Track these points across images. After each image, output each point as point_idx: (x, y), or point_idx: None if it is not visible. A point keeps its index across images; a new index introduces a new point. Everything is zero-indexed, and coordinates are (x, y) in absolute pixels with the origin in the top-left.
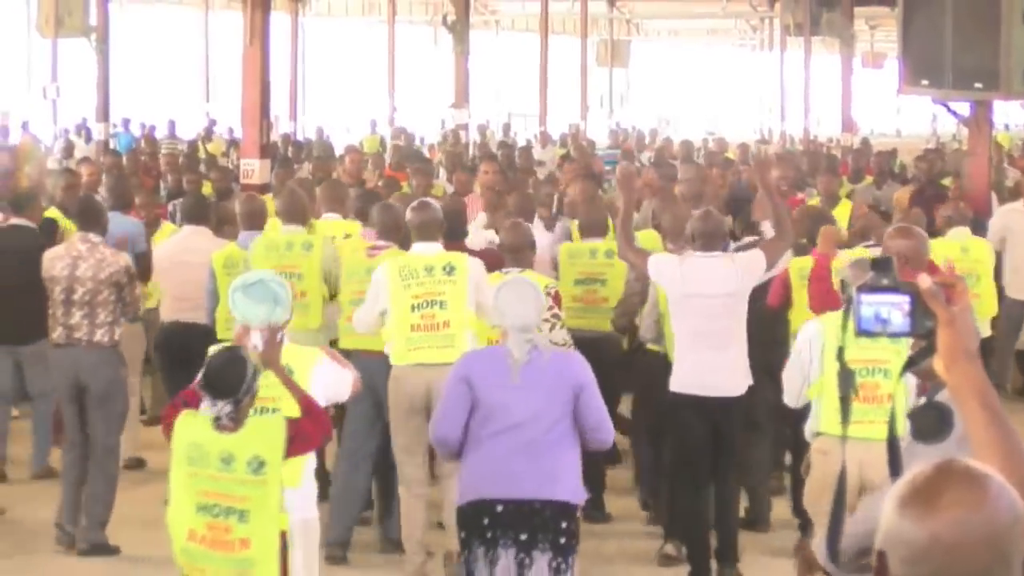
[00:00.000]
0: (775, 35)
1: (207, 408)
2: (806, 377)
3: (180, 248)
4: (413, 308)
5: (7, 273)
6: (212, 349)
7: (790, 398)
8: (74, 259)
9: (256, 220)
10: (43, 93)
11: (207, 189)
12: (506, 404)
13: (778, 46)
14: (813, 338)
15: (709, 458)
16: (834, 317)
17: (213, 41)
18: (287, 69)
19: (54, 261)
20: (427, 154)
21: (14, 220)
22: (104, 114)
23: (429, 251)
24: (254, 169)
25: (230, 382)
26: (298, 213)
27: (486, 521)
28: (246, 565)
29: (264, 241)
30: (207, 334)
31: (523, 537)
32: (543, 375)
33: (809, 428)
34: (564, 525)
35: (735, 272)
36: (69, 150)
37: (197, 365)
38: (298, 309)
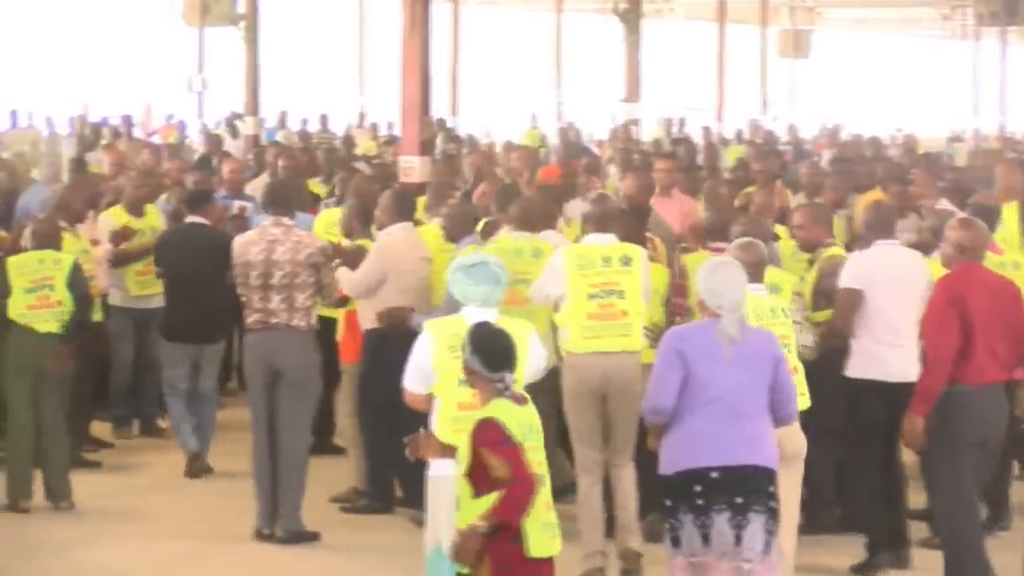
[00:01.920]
0: (968, 25)
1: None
2: None
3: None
4: (590, 297)
5: (189, 272)
6: (472, 328)
7: None
8: (270, 243)
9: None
10: (188, 85)
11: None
12: (717, 378)
13: (972, 36)
14: None
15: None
16: None
17: (368, 31)
18: (447, 61)
19: (248, 246)
20: (595, 150)
21: (191, 218)
22: (253, 107)
23: (605, 242)
24: (414, 166)
25: (514, 352)
26: (530, 220)
27: (699, 488)
28: None
29: (494, 249)
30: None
31: (739, 500)
32: (749, 350)
33: None
34: (771, 489)
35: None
36: (217, 145)
37: None
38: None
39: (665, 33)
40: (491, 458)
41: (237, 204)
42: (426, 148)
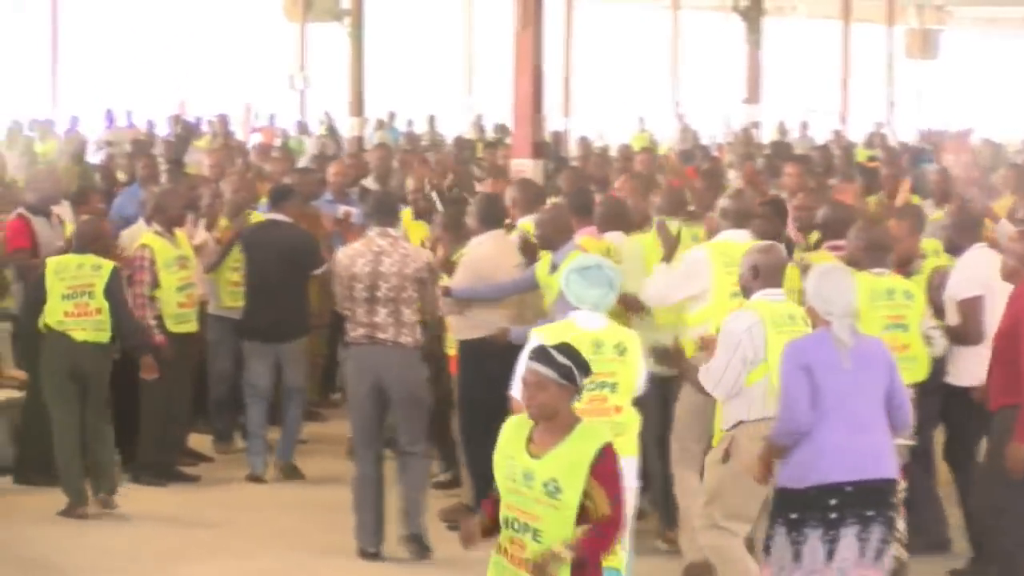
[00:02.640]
0: None
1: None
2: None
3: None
4: (733, 295)
5: (268, 269)
6: (543, 344)
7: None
8: (376, 255)
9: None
10: (290, 83)
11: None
12: (840, 388)
13: None
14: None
15: None
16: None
17: (477, 26)
18: (559, 59)
19: (354, 258)
20: (715, 154)
21: (272, 215)
22: (358, 107)
23: (743, 239)
24: (526, 170)
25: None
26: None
27: (833, 502)
28: None
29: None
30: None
31: (868, 513)
32: (866, 358)
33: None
34: (893, 500)
35: None
36: (325, 146)
37: None
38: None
39: (787, 32)
40: (598, 491)
41: (342, 209)
42: (539, 150)
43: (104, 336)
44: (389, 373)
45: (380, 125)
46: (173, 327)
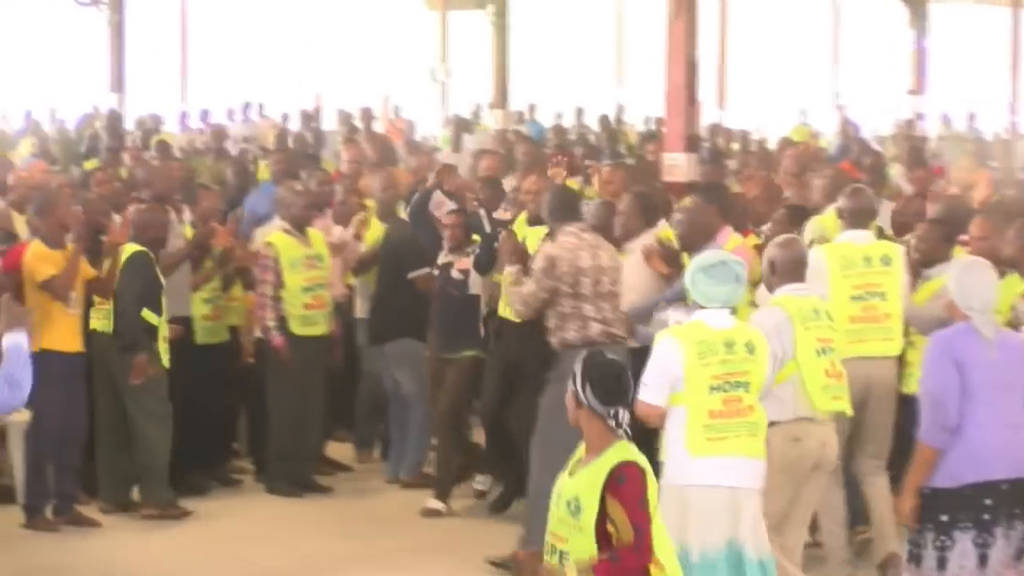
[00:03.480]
0: None
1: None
2: None
3: None
4: (852, 299)
5: (379, 268)
6: (586, 358)
7: None
8: (592, 248)
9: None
10: (431, 75)
11: None
12: (988, 381)
13: None
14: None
15: None
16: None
17: (627, 14)
18: (714, 48)
19: (576, 252)
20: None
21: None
22: (502, 99)
23: (863, 240)
24: (679, 164)
25: (628, 386)
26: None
27: (989, 502)
28: None
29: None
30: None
31: (1016, 511)
32: (1007, 351)
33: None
34: None
35: None
36: (458, 141)
37: None
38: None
39: (953, 18)
40: (619, 513)
41: None
42: (693, 144)
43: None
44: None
45: (520, 118)
46: (298, 329)
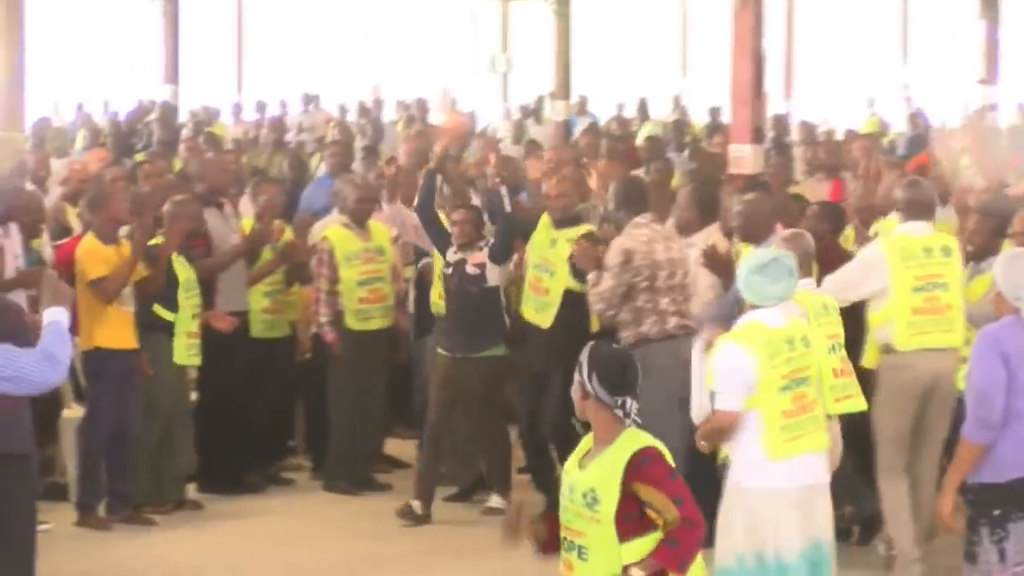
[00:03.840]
0: None
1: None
2: None
3: None
4: (915, 290)
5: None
6: (592, 348)
7: None
8: (665, 240)
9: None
10: (491, 65)
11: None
12: None
13: None
14: None
15: None
16: None
17: (692, 4)
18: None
19: (651, 244)
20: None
21: None
22: (564, 90)
23: (922, 231)
24: (745, 156)
25: (635, 376)
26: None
27: None
28: None
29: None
30: None
31: None
32: None
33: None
34: None
35: None
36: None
37: None
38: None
39: None
40: (655, 495)
41: None
42: (759, 136)
43: None
44: None
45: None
46: (354, 324)
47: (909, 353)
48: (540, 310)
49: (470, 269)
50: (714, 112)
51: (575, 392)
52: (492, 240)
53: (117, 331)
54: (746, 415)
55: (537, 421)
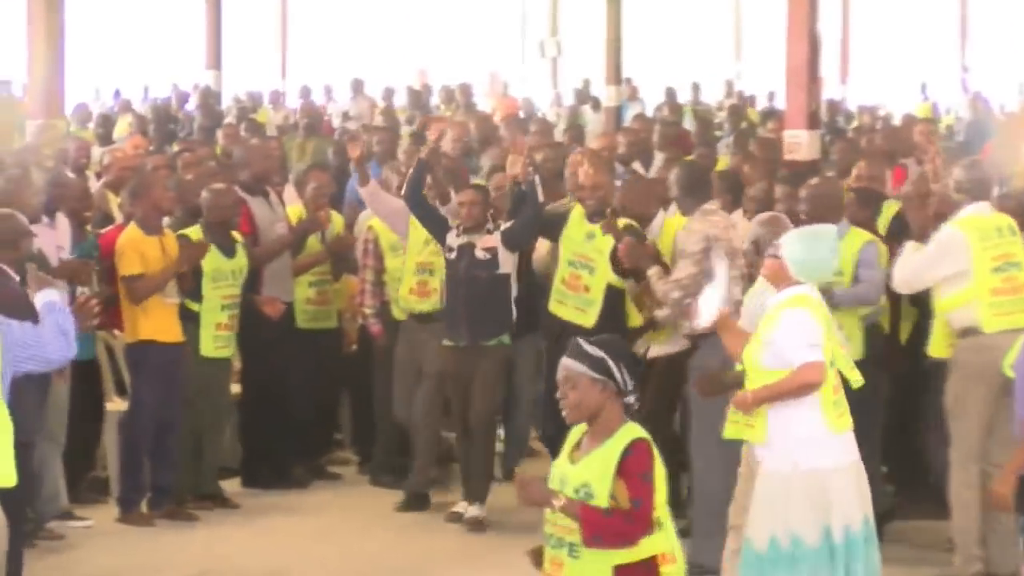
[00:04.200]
0: None
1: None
2: None
3: None
4: (994, 270)
5: None
6: (607, 342)
7: None
8: (734, 228)
9: None
10: (540, 50)
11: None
12: None
13: None
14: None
15: None
16: None
17: None
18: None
19: (728, 231)
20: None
21: None
22: (615, 75)
23: (986, 211)
24: (800, 142)
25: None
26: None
27: None
28: None
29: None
30: None
31: None
32: None
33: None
34: None
35: None
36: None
37: None
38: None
39: None
40: (620, 489)
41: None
42: (814, 121)
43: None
44: None
45: (632, 95)
46: (401, 316)
47: (994, 335)
48: (582, 308)
49: (480, 253)
50: (770, 96)
51: (588, 387)
52: (510, 225)
53: (161, 323)
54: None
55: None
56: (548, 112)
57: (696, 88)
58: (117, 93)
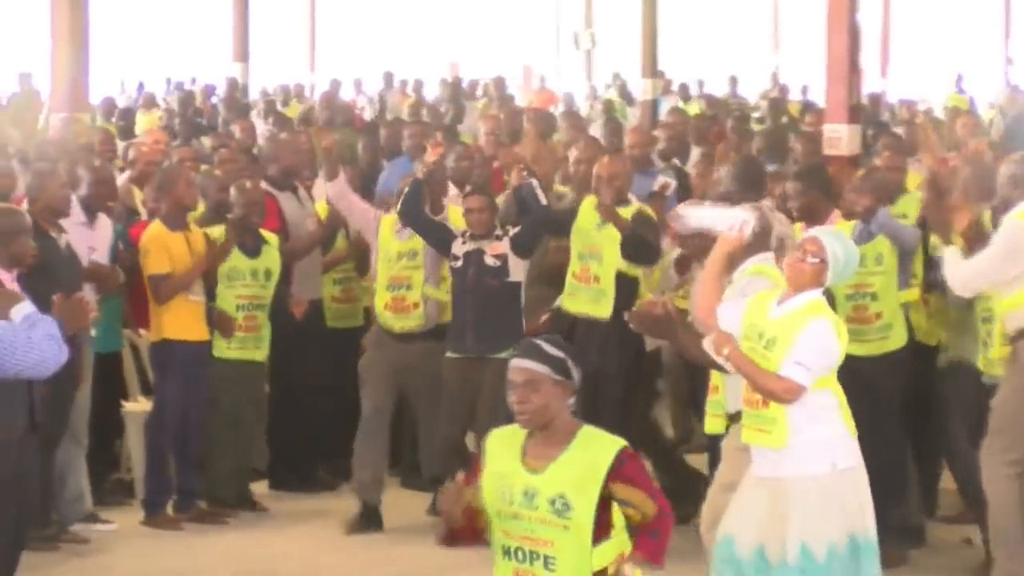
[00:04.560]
0: None
1: None
2: None
3: None
4: None
5: None
6: (553, 339)
7: None
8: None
9: None
10: (575, 42)
11: None
12: None
13: None
14: None
15: None
16: None
17: None
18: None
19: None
20: None
21: None
22: (651, 68)
23: None
24: (841, 136)
25: None
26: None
27: None
28: None
29: None
30: None
31: None
32: None
33: None
34: None
35: None
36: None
37: None
38: None
39: None
40: (634, 493)
41: (661, 180)
42: (855, 115)
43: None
44: None
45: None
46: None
47: None
48: (595, 300)
49: (489, 260)
50: (804, 90)
51: (551, 393)
52: (518, 230)
53: (187, 322)
54: (821, 394)
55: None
56: (583, 106)
57: (733, 81)
58: (141, 86)
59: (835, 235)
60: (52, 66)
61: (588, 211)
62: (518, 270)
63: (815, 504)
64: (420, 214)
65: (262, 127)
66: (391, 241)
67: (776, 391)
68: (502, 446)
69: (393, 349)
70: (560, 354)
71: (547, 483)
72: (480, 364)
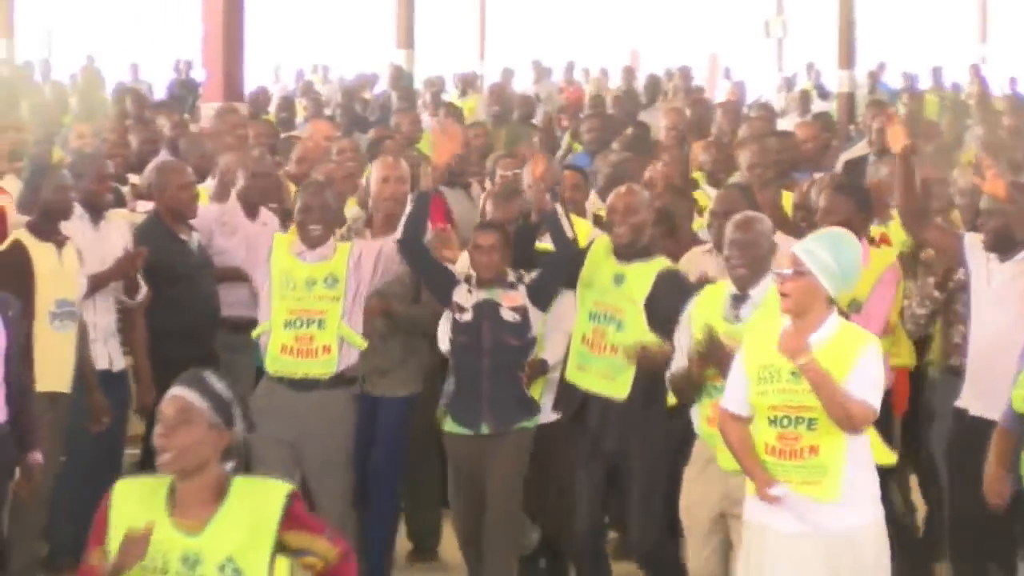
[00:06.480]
0: None
1: None
2: None
3: None
4: None
5: None
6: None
7: None
8: None
9: None
10: (765, 31)
11: None
12: None
13: None
14: None
15: None
16: None
17: None
18: None
19: None
20: None
21: None
22: (847, 59)
23: None
24: None
25: None
26: None
27: None
28: None
29: None
30: None
31: None
32: None
33: None
34: None
35: None
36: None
37: None
38: None
39: None
40: (311, 539)
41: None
42: None
43: None
44: None
45: (871, 78)
46: None
47: None
48: (610, 376)
49: (507, 315)
50: (1011, 83)
51: (205, 436)
52: (536, 276)
53: None
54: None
55: (598, 518)
56: (774, 98)
57: (937, 73)
58: (299, 74)
59: (821, 239)
60: (204, 54)
61: (601, 256)
62: (536, 325)
63: (883, 551)
64: (419, 244)
65: (427, 119)
66: (284, 257)
67: (856, 416)
68: (143, 498)
69: (286, 401)
70: (228, 393)
71: (212, 546)
72: (494, 443)
